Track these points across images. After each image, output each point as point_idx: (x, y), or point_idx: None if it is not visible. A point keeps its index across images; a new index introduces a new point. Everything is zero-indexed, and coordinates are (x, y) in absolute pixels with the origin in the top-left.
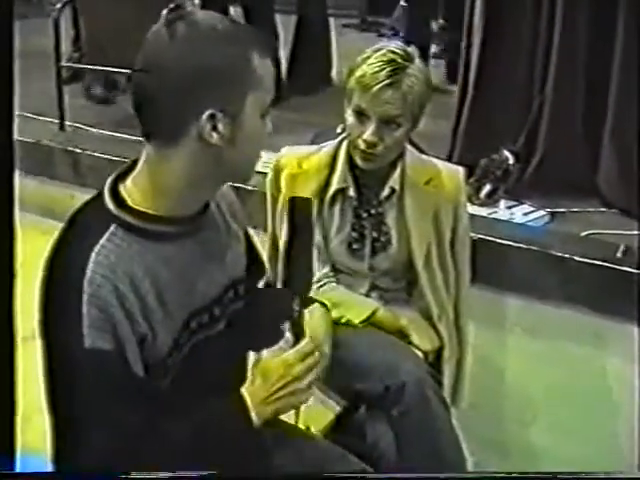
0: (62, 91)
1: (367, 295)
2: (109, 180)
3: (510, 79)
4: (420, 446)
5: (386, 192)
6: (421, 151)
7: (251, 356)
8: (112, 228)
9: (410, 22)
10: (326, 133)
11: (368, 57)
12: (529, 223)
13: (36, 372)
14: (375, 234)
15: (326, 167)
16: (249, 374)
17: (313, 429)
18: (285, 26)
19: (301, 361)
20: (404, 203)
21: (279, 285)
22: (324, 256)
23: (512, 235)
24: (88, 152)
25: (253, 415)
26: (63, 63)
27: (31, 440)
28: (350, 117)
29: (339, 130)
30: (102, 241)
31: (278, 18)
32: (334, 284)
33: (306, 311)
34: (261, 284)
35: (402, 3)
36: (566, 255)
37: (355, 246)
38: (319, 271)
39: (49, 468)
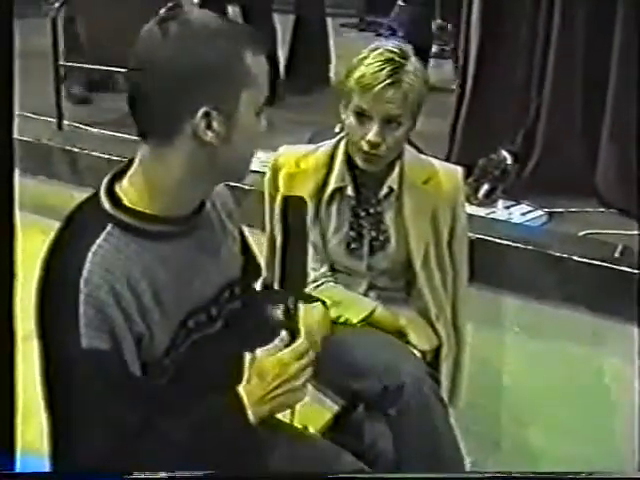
0: (60, 90)
1: (365, 294)
2: (105, 180)
3: (508, 79)
4: (418, 446)
5: (384, 191)
6: (419, 151)
7: (247, 355)
8: (108, 228)
9: (411, 22)
10: (324, 132)
11: (365, 57)
12: (527, 223)
13: (36, 372)
14: (373, 233)
15: (324, 166)
16: (245, 373)
17: (311, 429)
18: (283, 26)
19: (296, 360)
20: (402, 202)
21: (275, 284)
22: (322, 255)
23: (510, 235)
24: (86, 151)
25: (250, 414)
26: (61, 62)
27: (31, 440)
28: (350, 119)
29: (337, 129)
30: (99, 241)
31: (276, 17)
32: (332, 284)
33: (303, 307)
34: (258, 284)
35: (400, 3)
36: (564, 255)
37: (353, 245)
38: (317, 271)
39: (48, 468)
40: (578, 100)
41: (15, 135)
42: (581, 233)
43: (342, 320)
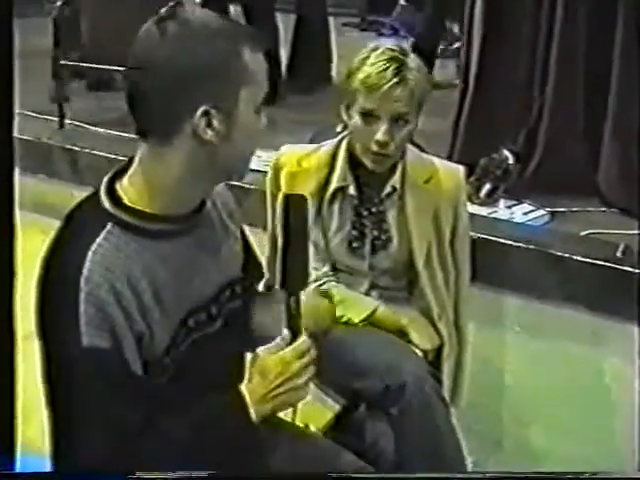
0: (61, 89)
1: (367, 294)
2: (105, 179)
3: (510, 79)
4: (420, 445)
5: (387, 190)
6: (421, 149)
7: (248, 354)
8: (108, 227)
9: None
10: (325, 132)
11: (367, 57)
12: (529, 222)
13: (36, 371)
14: (375, 232)
15: (326, 166)
16: (247, 372)
17: (312, 428)
18: (285, 25)
19: (298, 358)
20: (405, 201)
21: (276, 283)
22: (324, 255)
23: (512, 234)
24: (87, 150)
25: (252, 412)
26: (62, 61)
27: (31, 439)
28: (355, 119)
29: (338, 129)
30: (99, 240)
31: (278, 17)
32: (334, 283)
33: (306, 297)
34: (261, 284)
35: (402, 2)
36: (566, 254)
37: (355, 244)
38: (319, 270)
39: (49, 467)
40: (580, 100)
41: (15, 134)
42: (583, 233)
43: (344, 320)
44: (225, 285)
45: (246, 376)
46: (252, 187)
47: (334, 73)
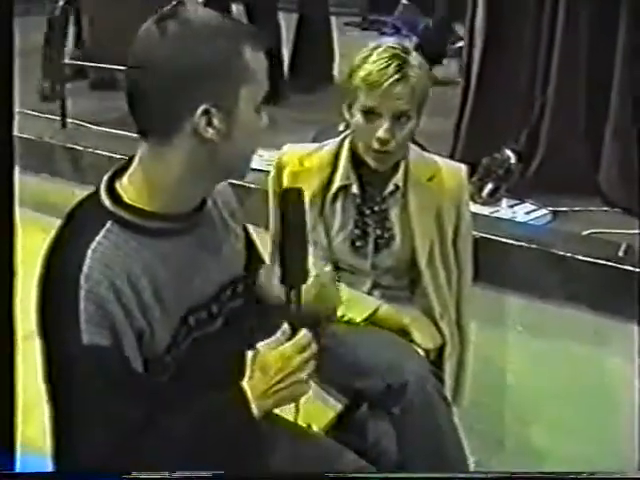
0: (64, 88)
1: (369, 293)
2: (105, 177)
3: (512, 78)
4: (422, 444)
5: (389, 189)
6: (423, 149)
7: (249, 352)
8: (108, 225)
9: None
10: (327, 131)
11: (369, 55)
12: (531, 222)
13: (36, 371)
14: (378, 231)
15: (328, 165)
16: (248, 368)
17: (314, 427)
18: (287, 24)
19: (299, 353)
20: (407, 200)
21: (275, 279)
22: (326, 254)
23: (514, 234)
24: (89, 149)
25: (254, 408)
26: (65, 61)
27: (31, 439)
28: (357, 117)
29: (341, 128)
30: (98, 238)
31: (280, 16)
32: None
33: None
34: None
35: (404, 1)
36: (568, 254)
37: (358, 243)
38: (321, 269)
39: (49, 466)
40: (582, 100)
41: (18, 133)
42: (585, 232)
43: (346, 319)
44: (226, 284)
45: (247, 372)
46: (254, 186)
47: (336, 72)
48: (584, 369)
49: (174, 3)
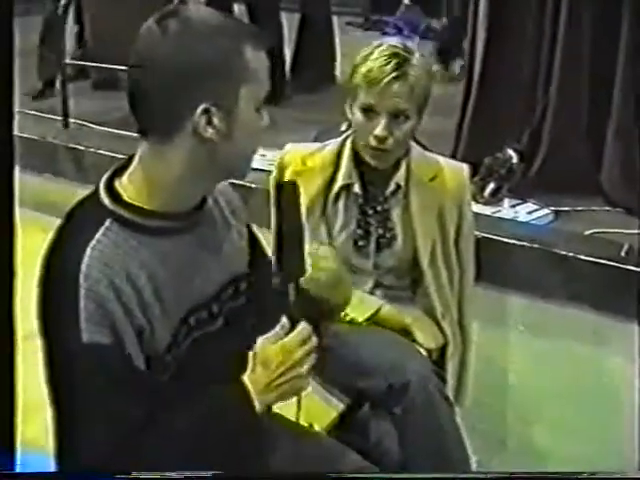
0: (66, 88)
1: (371, 293)
2: (105, 176)
3: (514, 78)
4: (424, 444)
5: (391, 188)
6: (425, 148)
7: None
8: (107, 223)
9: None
10: (329, 131)
11: (370, 53)
12: (533, 222)
13: (36, 371)
14: (380, 231)
15: (330, 164)
16: (249, 362)
17: (316, 427)
18: (289, 24)
19: (299, 346)
20: (409, 200)
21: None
22: None
23: (516, 234)
24: (92, 149)
25: (256, 403)
26: (67, 61)
27: (32, 439)
28: (357, 115)
29: (343, 128)
30: (97, 236)
31: (282, 16)
32: None
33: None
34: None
35: (406, 2)
36: (570, 254)
37: (360, 243)
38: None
39: (49, 466)
40: (584, 99)
41: (21, 133)
42: (587, 232)
43: (348, 319)
44: (227, 283)
45: (248, 367)
46: (257, 187)
47: (338, 72)
48: (586, 369)
49: (176, 2)
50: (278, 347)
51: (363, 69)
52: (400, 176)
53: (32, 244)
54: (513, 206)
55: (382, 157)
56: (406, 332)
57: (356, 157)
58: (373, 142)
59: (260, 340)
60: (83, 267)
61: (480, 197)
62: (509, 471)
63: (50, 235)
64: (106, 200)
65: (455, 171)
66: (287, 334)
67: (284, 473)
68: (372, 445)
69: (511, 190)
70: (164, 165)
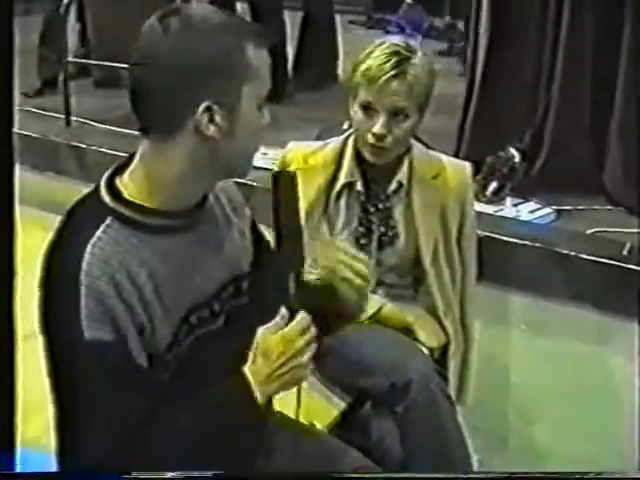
0: (68, 86)
1: (373, 291)
2: (106, 174)
3: (517, 77)
4: (425, 443)
5: (394, 186)
6: (427, 147)
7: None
8: (108, 221)
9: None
10: (331, 129)
11: (372, 51)
12: (535, 221)
13: (36, 371)
14: (382, 229)
15: (333, 163)
16: (250, 353)
17: (318, 425)
18: (292, 22)
19: (299, 336)
20: (412, 198)
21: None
22: None
23: (518, 232)
24: (94, 147)
25: (257, 393)
26: (69, 59)
27: (32, 439)
28: (357, 112)
29: (345, 126)
30: (98, 233)
31: (285, 14)
32: None
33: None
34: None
35: (408, 0)
36: (572, 253)
37: (362, 241)
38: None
39: (50, 465)
40: (586, 98)
41: (23, 131)
42: (589, 231)
43: None
44: (228, 281)
45: (249, 358)
46: (258, 185)
47: (340, 70)
48: (588, 368)
49: (178, 0)
50: (279, 337)
51: (363, 67)
52: (402, 174)
53: (32, 243)
54: (515, 205)
55: (381, 155)
56: (408, 331)
57: (358, 155)
58: (372, 139)
59: (260, 330)
60: (84, 264)
61: (482, 196)
62: (510, 470)
63: (51, 233)
64: (107, 198)
65: (458, 169)
66: (287, 324)
67: (285, 472)
68: (373, 444)
69: (513, 189)
70: (165, 163)
